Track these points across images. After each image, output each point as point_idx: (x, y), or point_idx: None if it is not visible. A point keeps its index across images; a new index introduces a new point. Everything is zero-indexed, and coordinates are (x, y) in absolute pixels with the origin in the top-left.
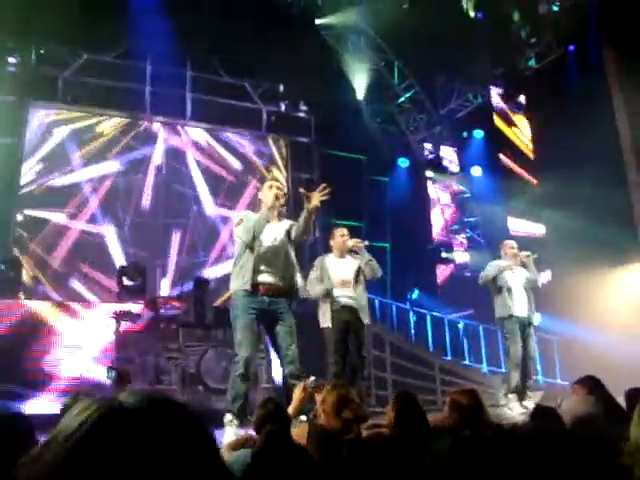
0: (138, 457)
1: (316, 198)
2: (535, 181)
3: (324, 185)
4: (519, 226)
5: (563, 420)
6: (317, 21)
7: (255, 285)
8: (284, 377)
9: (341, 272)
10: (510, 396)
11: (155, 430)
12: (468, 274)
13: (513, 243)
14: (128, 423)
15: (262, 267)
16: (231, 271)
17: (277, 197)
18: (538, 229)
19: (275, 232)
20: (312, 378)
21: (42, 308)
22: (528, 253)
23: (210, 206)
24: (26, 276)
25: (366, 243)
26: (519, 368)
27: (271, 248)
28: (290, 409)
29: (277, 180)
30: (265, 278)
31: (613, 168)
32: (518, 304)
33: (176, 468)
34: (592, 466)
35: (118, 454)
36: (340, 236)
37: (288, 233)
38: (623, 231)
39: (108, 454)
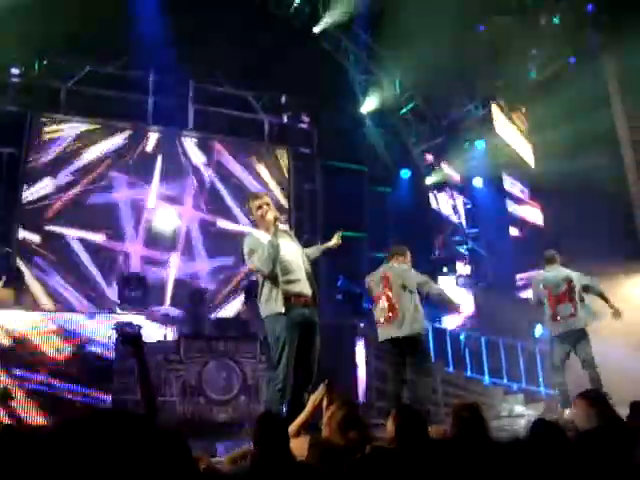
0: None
1: (337, 238)
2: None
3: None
4: (518, 211)
5: (566, 435)
6: (315, 29)
7: (289, 298)
8: (297, 388)
9: None
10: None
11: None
12: (469, 286)
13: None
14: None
15: (291, 278)
16: (260, 293)
17: (276, 219)
18: (537, 216)
19: (289, 245)
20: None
21: (43, 318)
22: None
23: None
24: (29, 288)
25: None
26: None
27: (293, 260)
28: (304, 413)
29: (259, 197)
30: (297, 288)
31: (615, 179)
32: None
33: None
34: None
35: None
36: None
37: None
38: (626, 241)
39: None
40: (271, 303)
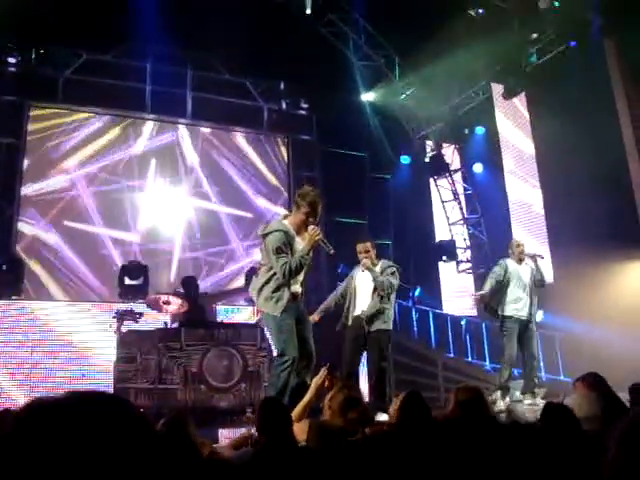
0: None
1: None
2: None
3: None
4: (517, 193)
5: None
6: (308, 10)
7: (289, 296)
8: (300, 372)
9: (362, 284)
10: (498, 393)
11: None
12: (470, 272)
13: (519, 241)
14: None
15: (295, 281)
16: (261, 286)
17: (318, 242)
18: (537, 198)
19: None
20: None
21: (43, 308)
22: (537, 254)
23: (213, 205)
24: (28, 277)
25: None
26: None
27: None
28: (307, 396)
29: (317, 206)
30: (295, 287)
31: (615, 164)
32: (520, 303)
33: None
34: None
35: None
36: (358, 253)
37: None
38: (626, 227)
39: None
40: (272, 302)
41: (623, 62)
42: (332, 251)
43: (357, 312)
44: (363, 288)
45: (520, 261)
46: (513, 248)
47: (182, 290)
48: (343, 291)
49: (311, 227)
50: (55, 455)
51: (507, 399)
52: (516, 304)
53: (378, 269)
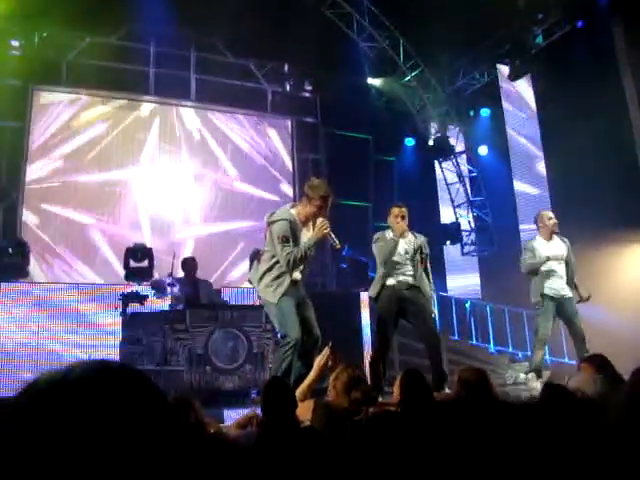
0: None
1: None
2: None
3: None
4: (523, 175)
5: (577, 399)
6: None
7: (289, 283)
8: (304, 352)
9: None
10: (529, 375)
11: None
12: (474, 254)
13: (550, 214)
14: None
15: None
16: (261, 273)
17: (326, 235)
18: (542, 180)
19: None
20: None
21: (50, 290)
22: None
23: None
24: (34, 260)
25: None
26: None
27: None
28: (310, 375)
29: (327, 197)
30: (297, 276)
31: (623, 147)
32: (554, 280)
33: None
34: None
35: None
36: (394, 216)
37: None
38: (633, 209)
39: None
40: (271, 289)
41: (631, 41)
42: (338, 245)
43: (391, 282)
44: (399, 255)
45: (551, 235)
46: (544, 221)
47: (182, 271)
48: (387, 258)
49: (320, 220)
50: (55, 438)
51: (540, 380)
52: (549, 281)
53: (412, 237)
